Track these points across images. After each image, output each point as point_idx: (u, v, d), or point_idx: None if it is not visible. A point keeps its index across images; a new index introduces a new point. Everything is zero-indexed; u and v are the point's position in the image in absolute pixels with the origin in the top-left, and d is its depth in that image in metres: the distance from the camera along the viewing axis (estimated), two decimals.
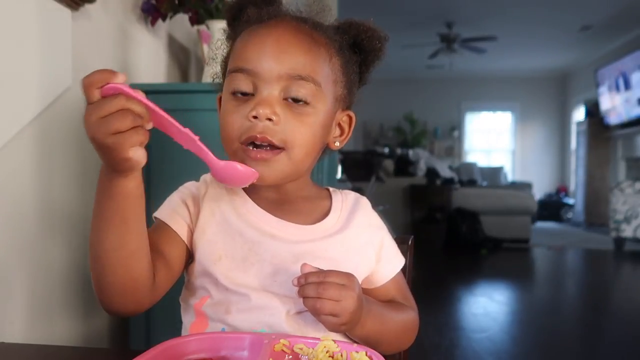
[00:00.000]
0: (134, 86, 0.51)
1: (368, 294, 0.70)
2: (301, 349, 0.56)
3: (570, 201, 8.83)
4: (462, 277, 4.32)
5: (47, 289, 1.26)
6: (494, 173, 8.95)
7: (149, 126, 0.52)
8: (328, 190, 0.79)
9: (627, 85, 6.75)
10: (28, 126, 1.16)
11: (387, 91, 8.85)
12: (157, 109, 0.52)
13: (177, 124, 0.55)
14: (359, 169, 5.47)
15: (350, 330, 0.64)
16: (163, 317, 1.25)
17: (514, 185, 8.46)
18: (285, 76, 0.64)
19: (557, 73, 9.62)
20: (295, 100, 0.65)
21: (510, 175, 9.75)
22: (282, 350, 0.55)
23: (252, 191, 0.72)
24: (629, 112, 6.74)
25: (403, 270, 0.78)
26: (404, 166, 6.45)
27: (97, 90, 0.49)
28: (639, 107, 6.53)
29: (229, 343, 0.57)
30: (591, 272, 4.89)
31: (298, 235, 0.70)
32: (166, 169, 1.37)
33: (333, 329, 0.62)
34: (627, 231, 5.39)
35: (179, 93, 1.49)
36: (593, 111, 7.72)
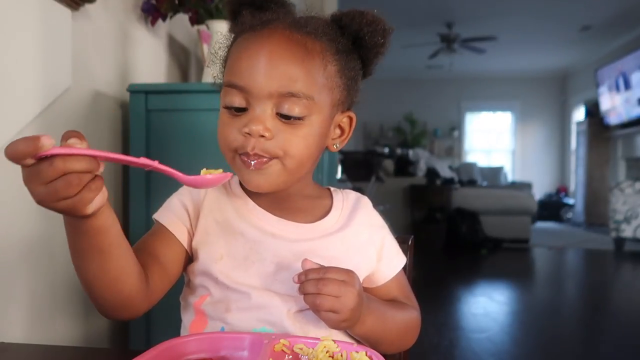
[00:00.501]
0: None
1: (370, 293, 0.70)
2: (301, 349, 0.56)
3: (570, 201, 8.83)
4: (462, 277, 4.32)
5: (47, 289, 1.26)
6: (494, 173, 8.96)
7: (101, 170, 0.47)
8: (329, 189, 0.79)
9: (627, 85, 6.75)
10: (28, 126, 1.16)
11: (387, 91, 8.85)
12: (100, 153, 0.46)
13: (129, 157, 0.50)
14: (359, 169, 5.46)
15: (350, 327, 0.64)
16: (163, 317, 1.25)
17: (514, 185, 8.47)
18: (276, 94, 0.63)
19: (557, 73, 9.61)
20: (287, 117, 0.65)
21: (510, 176, 9.75)
22: (282, 350, 0.55)
23: (253, 191, 0.72)
24: (629, 112, 6.74)
25: (403, 270, 0.78)
26: (404, 166, 6.45)
27: (28, 158, 0.44)
28: (639, 107, 6.53)
29: (229, 343, 0.57)
30: (591, 272, 4.89)
31: (298, 234, 0.71)
32: None
33: (333, 325, 0.62)
34: (627, 231, 5.38)
35: (179, 93, 1.49)
36: (593, 111, 7.71)
